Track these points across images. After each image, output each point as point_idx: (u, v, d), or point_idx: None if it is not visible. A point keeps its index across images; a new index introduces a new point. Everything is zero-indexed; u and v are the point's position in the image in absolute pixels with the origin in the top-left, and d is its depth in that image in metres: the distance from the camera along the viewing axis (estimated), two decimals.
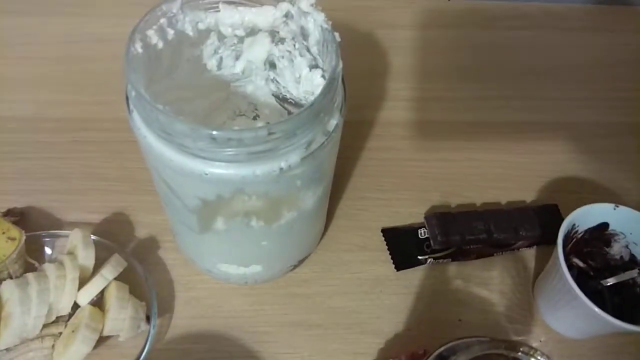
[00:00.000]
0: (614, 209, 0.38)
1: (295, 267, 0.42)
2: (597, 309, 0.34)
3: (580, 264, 0.42)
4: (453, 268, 0.45)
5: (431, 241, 0.44)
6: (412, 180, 0.50)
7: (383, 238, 0.46)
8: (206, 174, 0.27)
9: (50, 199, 0.45)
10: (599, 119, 0.55)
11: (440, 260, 0.44)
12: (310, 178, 0.30)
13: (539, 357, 0.27)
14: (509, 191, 0.49)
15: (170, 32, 0.30)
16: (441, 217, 0.45)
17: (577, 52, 0.61)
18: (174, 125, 0.25)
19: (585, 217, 0.39)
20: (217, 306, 0.41)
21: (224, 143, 0.25)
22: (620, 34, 0.63)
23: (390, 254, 0.45)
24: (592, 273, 0.42)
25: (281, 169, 0.27)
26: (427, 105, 0.55)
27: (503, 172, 0.51)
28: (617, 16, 0.65)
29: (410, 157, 0.51)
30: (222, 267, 0.38)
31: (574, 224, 0.39)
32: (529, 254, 0.45)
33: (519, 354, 0.27)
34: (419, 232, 0.45)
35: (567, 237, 0.39)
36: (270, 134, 0.25)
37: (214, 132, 0.24)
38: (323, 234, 0.45)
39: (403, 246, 0.45)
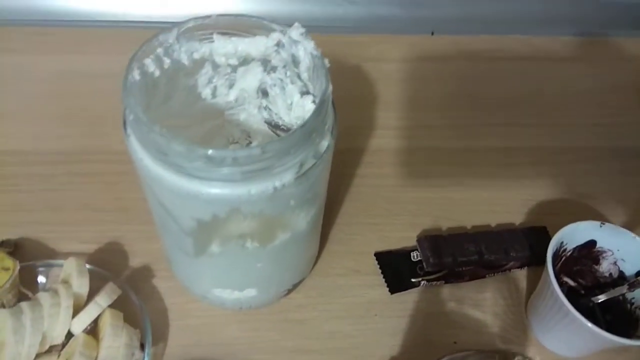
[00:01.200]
0: (600, 226, 0.39)
1: (289, 291, 0.42)
2: (590, 324, 0.35)
3: (571, 282, 0.43)
4: (446, 290, 0.45)
5: (424, 263, 0.45)
6: (403, 205, 0.50)
7: (376, 262, 0.46)
8: (202, 194, 0.27)
9: (45, 230, 0.45)
10: (581, 144, 0.57)
11: (434, 283, 0.45)
12: (303, 198, 0.31)
13: None
14: (498, 214, 0.50)
15: (167, 61, 0.32)
16: (433, 240, 0.46)
17: (558, 81, 0.64)
18: (171, 145, 0.26)
19: (572, 235, 0.40)
20: (211, 333, 0.41)
21: (219, 163, 0.26)
22: (598, 63, 0.66)
23: (384, 277, 0.45)
24: (582, 291, 0.42)
25: (275, 188, 0.28)
26: (415, 133, 0.57)
27: (491, 196, 0.52)
28: (595, 47, 0.68)
29: (400, 183, 0.52)
30: (216, 292, 0.38)
31: (562, 242, 0.39)
32: (520, 275, 0.46)
33: None
34: (412, 255, 0.46)
35: (556, 256, 0.40)
36: (263, 152, 0.26)
37: (210, 152, 0.25)
38: (317, 259, 0.45)
39: (396, 269, 0.45)
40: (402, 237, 0.48)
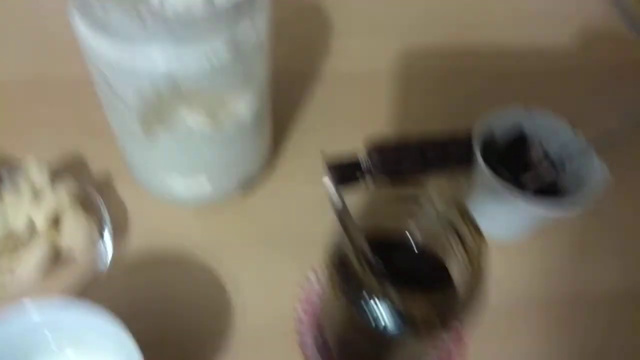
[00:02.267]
0: (526, 112, 0.42)
1: (245, 190, 0.45)
2: (516, 193, 0.37)
3: (507, 173, 0.46)
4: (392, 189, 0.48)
5: (370, 166, 0.48)
6: (357, 119, 0.53)
7: (325, 164, 0.49)
8: (139, 66, 0.30)
9: (7, 144, 0.47)
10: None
11: (379, 184, 0.48)
12: (240, 78, 0.34)
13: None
14: (445, 124, 0.53)
15: None
16: (379, 145, 0.49)
17: None
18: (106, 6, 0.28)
19: (499, 122, 0.42)
20: (170, 229, 0.44)
21: (153, 30, 0.28)
22: None
23: (332, 179, 0.48)
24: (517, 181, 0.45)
25: (209, 59, 0.31)
26: (369, 55, 0.59)
27: (440, 109, 0.55)
28: None
29: (354, 100, 0.55)
30: (169, 181, 0.41)
31: (490, 128, 0.42)
32: (462, 174, 0.49)
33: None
34: (360, 159, 0.49)
35: (487, 143, 0.43)
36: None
37: (142, 13, 0.28)
38: (272, 162, 0.48)
39: (345, 172, 0.48)
40: (353, 142, 0.50)
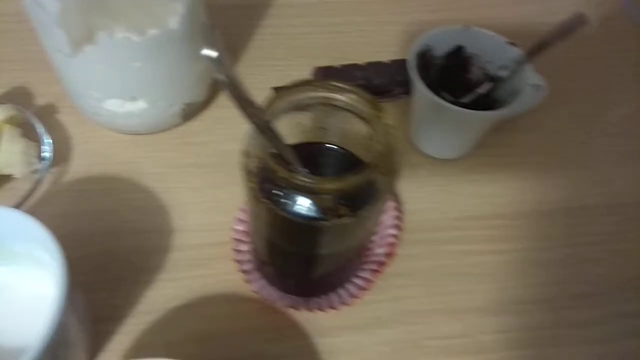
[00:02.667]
0: (465, 30, 0.42)
1: (187, 118, 0.45)
2: (443, 102, 0.38)
3: (449, 96, 0.46)
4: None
5: None
6: (305, 50, 0.53)
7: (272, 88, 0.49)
8: None
9: None
10: None
11: None
12: None
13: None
14: (393, 54, 0.53)
15: None
16: (325, 70, 0.49)
17: None
18: None
19: (439, 40, 0.43)
20: (113, 155, 0.44)
21: None
22: None
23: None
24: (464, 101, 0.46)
25: None
26: None
27: (390, 39, 0.55)
28: None
29: (303, 31, 0.55)
30: (108, 106, 0.41)
31: (428, 46, 0.42)
32: (408, 100, 0.49)
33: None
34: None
35: (426, 64, 0.43)
36: None
37: None
38: (214, 93, 0.48)
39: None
40: (301, 74, 0.50)
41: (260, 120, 0.26)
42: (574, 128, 0.49)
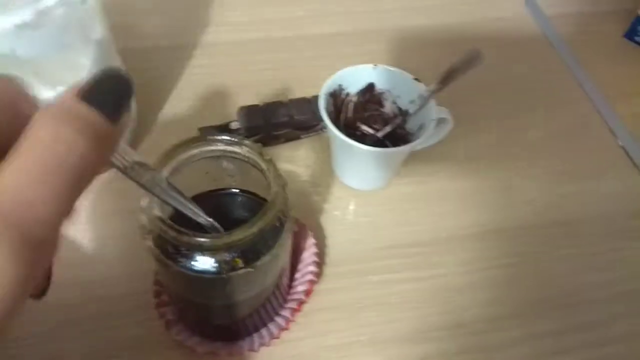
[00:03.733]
0: (374, 67, 0.44)
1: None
2: (352, 142, 0.39)
3: (368, 129, 0.48)
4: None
5: (241, 129, 0.49)
6: (231, 89, 0.54)
7: (198, 129, 0.50)
8: None
9: None
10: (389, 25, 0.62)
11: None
12: (53, 40, 0.34)
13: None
14: (317, 88, 0.54)
15: None
16: (249, 109, 0.50)
17: None
18: None
19: (350, 78, 0.44)
20: None
21: None
22: None
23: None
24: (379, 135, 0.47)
25: (15, 24, 0.31)
26: (248, 27, 0.60)
27: (313, 75, 0.56)
28: None
29: (230, 70, 0.56)
30: None
31: (340, 85, 0.44)
32: None
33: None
34: (231, 125, 0.50)
35: (341, 102, 0.45)
36: None
37: None
38: (141, 137, 0.49)
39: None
40: (228, 113, 0.52)
41: (153, 181, 0.27)
42: (487, 153, 0.51)
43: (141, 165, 0.26)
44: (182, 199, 0.28)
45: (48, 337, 0.37)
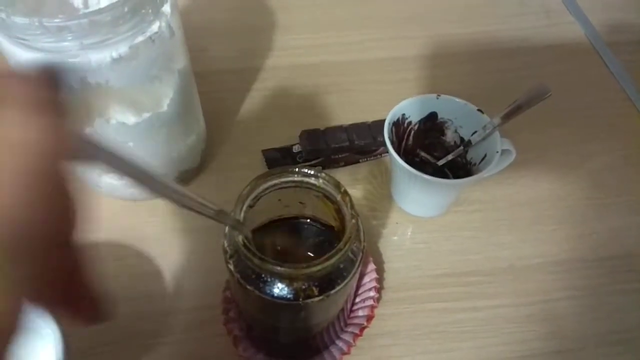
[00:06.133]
0: (437, 98, 0.45)
1: (181, 183, 0.48)
2: (415, 171, 0.40)
3: (427, 155, 0.49)
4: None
5: (303, 153, 0.51)
6: (293, 112, 0.56)
7: (262, 157, 0.52)
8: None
9: None
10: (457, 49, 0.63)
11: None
12: (148, 72, 0.37)
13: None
14: (376, 113, 0.56)
15: None
16: (311, 133, 0.52)
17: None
18: (10, 17, 0.31)
19: (413, 108, 0.45)
20: (114, 221, 0.46)
21: (56, 33, 0.31)
22: None
23: (268, 168, 0.51)
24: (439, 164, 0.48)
25: (112, 57, 0.34)
26: (309, 51, 0.62)
27: (373, 99, 0.58)
28: None
29: (292, 93, 0.58)
30: (106, 179, 0.44)
31: (404, 115, 0.45)
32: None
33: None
34: (293, 148, 0.52)
35: (403, 130, 0.46)
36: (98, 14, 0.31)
37: (43, 20, 0.31)
38: (210, 157, 0.51)
39: (280, 161, 0.51)
40: (289, 136, 0.53)
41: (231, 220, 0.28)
42: (547, 182, 0.51)
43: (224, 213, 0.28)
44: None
45: (117, 347, 0.40)
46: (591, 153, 0.53)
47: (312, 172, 0.32)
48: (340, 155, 0.51)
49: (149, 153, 0.43)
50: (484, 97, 0.48)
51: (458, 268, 0.45)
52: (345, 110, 0.56)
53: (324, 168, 0.51)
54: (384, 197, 0.49)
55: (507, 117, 0.41)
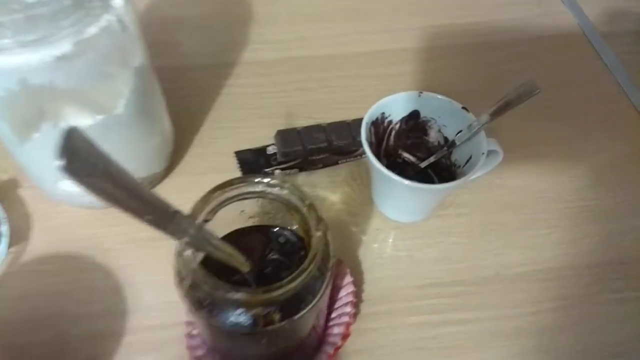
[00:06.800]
0: (419, 95, 0.42)
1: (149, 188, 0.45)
2: (394, 176, 0.37)
3: (409, 156, 0.46)
4: (301, 177, 0.48)
5: (277, 154, 0.48)
6: (269, 109, 0.53)
7: (236, 159, 0.49)
8: None
9: None
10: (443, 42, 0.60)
11: (288, 171, 0.47)
12: (96, 70, 0.33)
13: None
14: (358, 110, 0.52)
15: None
16: (286, 133, 0.48)
17: None
18: None
19: (394, 106, 0.42)
20: (72, 231, 0.43)
21: None
22: None
23: (241, 171, 0.48)
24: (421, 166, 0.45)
25: (55, 56, 0.30)
26: (288, 45, 0.59)
27: (355, 95, 0.54)
28: None
29: (268, 90, 0.55)
30: (63, 186, 0.41)
31: (383, 113, 0.42)
32: None
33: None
34: (268, 149, 0.49)
35: (383, 130, 0.43)
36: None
37: None
38: (177, 161, 0.48)
39: (254, 163, 0.48)
40: (265, 136, 0.50)
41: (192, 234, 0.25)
42: (536, 184, 0.48)
43: (183, 217, 0.25)
44: (223, 247, 0.27)
45: None
46: (584, 151, 0.51)
47: (276, 182, 0.29)
48: (318, 157, 0.48)
49: None
50: (471, 93, 0.45)
51: (441, 277, 0.42)
52: (325, 108, 0.53)
53: (301, 170, 0.48)
54: (364, 201, 0.46)
55: (494, 115, 0.38)
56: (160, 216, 0.24)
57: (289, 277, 0.25)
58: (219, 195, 0.28)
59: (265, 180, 0.29)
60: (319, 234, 0.27)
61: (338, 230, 0.44)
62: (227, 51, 0.58)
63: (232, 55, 0.58)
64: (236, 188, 0.28)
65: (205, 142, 0.50)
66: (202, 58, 0.58)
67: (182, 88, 0.54)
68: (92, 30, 0.31)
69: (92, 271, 0.42)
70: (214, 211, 0.28)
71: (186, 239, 0.26)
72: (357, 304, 0.39)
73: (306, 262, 0.26)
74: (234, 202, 0.29)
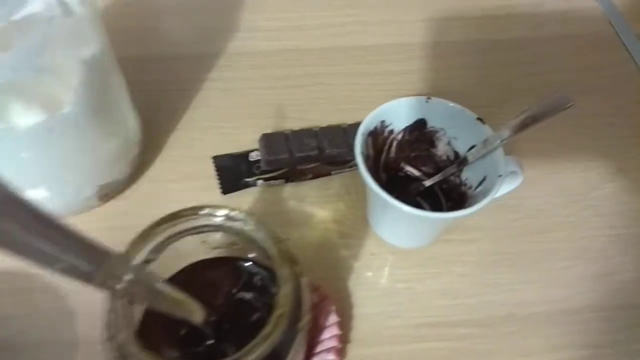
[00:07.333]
0: (427, 101, 0.36)
1: (104, 198, 0.39)
2: (391, 199, 0.31)
3: (414, 171, 0.39)
4: (288, 189, 0.42)
5: (263, 160, 0.41)
6: (256, 109, 0.47)
7: (213, 164, 0.42)
8: None
9: None
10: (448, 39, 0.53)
11: (272, 182, 0.41)
12: (26, 60, 0.27)
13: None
14: (356, 112, 0.46)
15: None
16: (272, 137, 0.42)
17: None
18: None
19: (396, 113, 0.36)
20: None
21: None
22: None
23: (218, 179, 0.42)
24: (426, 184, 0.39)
25: None
26: (280, 35, 0.52)
27: (352, 95, 0.48)
28: None
29: (256, 85, 0.48)
30: None
31: (383, 122, 0.36)
32: None
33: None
34: (250, 155, 0.42)
35: (383, 141, 0.37)
36: None
37: None
38: (148, 165, 0.42)
39: (233, 171, 0.42)
40: (250, 139, 0.44)
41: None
42: (562, 206, 0.42)
43: (118, 258, 0.19)
44: (169, 294, 0.21)
45: None
46: (615, 171, 0.44)
47: (238, 215, 0.22)
48: (307, 166, 0.42)
49: (53, 164, 0.33)
50: (487, 98, 0.39)
51: (445, 316, 0.36)
52: (319, 109, 0.47)
53: (287, 181, 0.42)
54: (358, 220, 0.40)
55: (516, 130, 0.32)
56: (83, 262, 0.18)
57: (248, 348, 0.19)
58: (164, 229, 0.22)
59: (223, 212, 0.22)
60: (286, 289, 0.21)
61: (326, 254, 0.38)
62: (211, 40, 0.52)
63: (217, 44, 0.51)
64: (186, 221, 0.22)
65: (181, 144, 0.44)
66: (183, 47, 0.51)
67: (159, 81, 0.48)
68: (22, 15, 0.25)
69: (44, 292, 0.36)
70: (158, 250, 0.22)
71: (121, 287, 0.20)
72: (342, 349, 0.33)
73: (269, 326, 0.20)
74: (185, 236, 0.23)
